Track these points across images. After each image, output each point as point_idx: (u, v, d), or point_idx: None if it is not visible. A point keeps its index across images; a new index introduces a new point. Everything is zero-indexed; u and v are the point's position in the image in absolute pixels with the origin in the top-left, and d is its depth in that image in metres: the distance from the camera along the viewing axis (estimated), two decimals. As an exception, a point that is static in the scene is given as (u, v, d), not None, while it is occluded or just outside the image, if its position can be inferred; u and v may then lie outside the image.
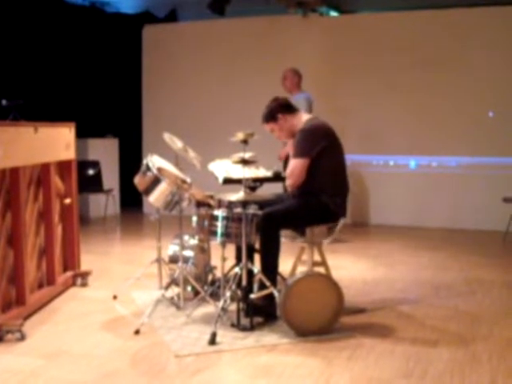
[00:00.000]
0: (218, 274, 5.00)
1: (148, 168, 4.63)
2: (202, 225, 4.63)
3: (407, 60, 8.94)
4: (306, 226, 4.75)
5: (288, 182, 4.60)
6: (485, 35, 8.64)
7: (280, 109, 4.74)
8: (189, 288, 4.97)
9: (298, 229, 4.76)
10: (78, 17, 9.75)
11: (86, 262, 5.89)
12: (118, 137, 10.37)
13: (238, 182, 4.55)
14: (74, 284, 5.53)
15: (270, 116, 4.75)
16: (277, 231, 4.47)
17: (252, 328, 4.30)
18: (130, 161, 9.41)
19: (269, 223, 4.42)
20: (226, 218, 4.43)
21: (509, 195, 8.02)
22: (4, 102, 4.99)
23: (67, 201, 5.50)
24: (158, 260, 5.16)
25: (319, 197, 4.56)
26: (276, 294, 4.32)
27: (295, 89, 7.37)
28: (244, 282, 4.33)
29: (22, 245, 4.52)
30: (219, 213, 4.46)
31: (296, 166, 4.54)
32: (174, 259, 5.10)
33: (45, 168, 5.07)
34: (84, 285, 5.56)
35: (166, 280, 5.05)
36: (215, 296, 4.81)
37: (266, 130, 4.86)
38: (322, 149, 4.55)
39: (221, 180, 4.99)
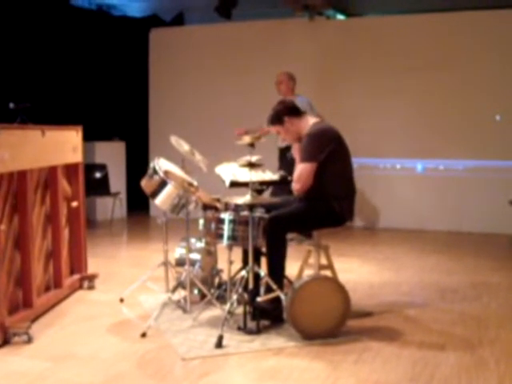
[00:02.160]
0: (225, 277, 5.00)
1: (155, 171, 4.63)
2: (209, 228, 4.64)
3: (414, 63, 8.93)
4: (313, 230, 4.75)
5: (295, 187, 4.58)
6: (492, 38, 8.62)
7: (286, 111, 4.73)
8: (195, 291, 4.98)
9: (305, 232, 4.76)
10: (85, 20, 9.78)
11: (93, 265, 5.90)
12: (124, 140, 10.38)
13: (245, 185, 4.55)
14: (80, 287, 5.55)
15: (276, 118, 4.74)
16: (283, 234, 4.47)
17: (258, 331, 4.30)
18: (137, 164, 9.43)
19: (275, 227, 4.42)
20: (232, 221, 4.44)
21: (516, 198, 8.02)
22: (11, 105, 5.00)
23: (74, 204, 5.51)
24: (165, 263, 5.16)
25: (326, 200, 4.55)
26: (282, 297, 4.32)
27: (290, 93, 7.31)
28: (251, 285, 4.33)
29: (29, 248, 4.53)
30: (226, 216, 4.47)
31: (304, 171, 4.53)
32: (180, 262, 5.10)
33: (52, 171, 5.08)
34: (91, 288, 5.57)
35: (172, 283, 5.05)
36: (222, 299, 4.82)
37: (271, 131, 4.87)
38: (329, 153, 4.54)
39: (227, 183, 4.99)
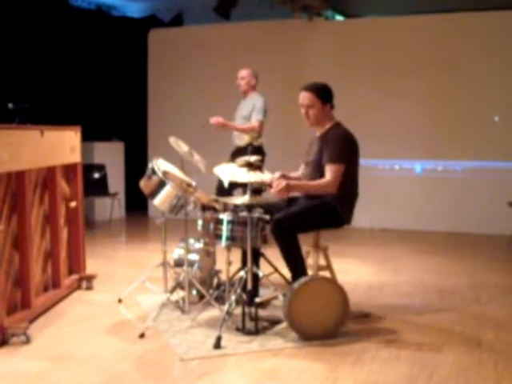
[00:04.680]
0: (223, 277, 5.00)
1: (153, 171, 4.63)
2: (208, 228, 4.63)
3: (412, 64, 8.94)
4: (314, 230, 4.74)
5: (331, 188, 4.50)
6: (491, 40, 8.63)
7: (332, 98, 4.68)
8: (194, 292, 4.97)
9: (307, 232, 4.73)
10: (85, 21, 9.78)
11: (92, 265, 5.89)
12: (123, 140, 10.38)
13: (244, 185, 4.55)
14: (79, 287, 5.54)
15: (323, 95, 4.63)
16: (292, 235, 4.45)
17: (257, 332, 4.30)
18: (136, 164, 9.44)
19: (282, 229, 4.40)
20: (231, 222, 4.43)
21: (514, 200, 8.02)
22: (10, 105, 5.00)
23: (73, 204, 5.50)
24: (164, 264, 5.16)
25: (330, 201, 4.54)
26: (281, 297, 4.32)
27: (250, 90, 7.10)
28: (249, 286, 4.32)
29: (28, 248, 4.52)
30: (224, 216, 4.46)
31: (338, 172, 4.49)
32: (179, 263, 5.10)
33: (50, 171, 5.07)
34: (89, 288, 5.56)
35: (171, 284, 5.05)
36: (220, 300, 4.80)
37: (300, 97, 4.66)
38: (354, 154, 4.60)
39: (226, 184, 4.98)
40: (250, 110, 6.89)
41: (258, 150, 6.59)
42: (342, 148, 4.53)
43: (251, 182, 4.36)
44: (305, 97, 4.64)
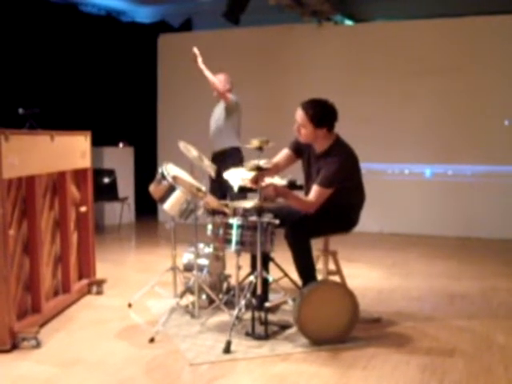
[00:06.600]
0: (233, 282, 5.00)
1: (163, 176, 4.64)
2: (217, 233, 4.63)
3: (422, 68, 8.92)
4: (327, 235, 4.75)
5: (310, 210, 4.48)
6: (501, 43, 8.60)
7: (330, 124, 4.54)
8: (203, 296, 4.97)
9: (320, 236, 4.74)
10: (94, 26, 9.83)
11: (101, 269, 5.90)
12: (133, 145, 10.40)
13: (253, 189, 4.55)
14: (89, 292, 5.55)
15: (317, 121, 4.50)
16: (307, 239, 4.47)
17: (267, 337, 4.29)
18: (145, 169, 9.45)
19: (298, 234, 4.42)
20: (240, 227, 4.43)
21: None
22: (21, 110, 5.02)
23: (83, 209, 5.52)
24: (173, 268, 5.16)
25: (342, 208, 4.56)
26: (290, 302, 4.32)
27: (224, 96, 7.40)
28: (259, 291, 4.32)
29: (38, 253, 4.54)
30: (234, 221, 4.47)
31: (323, 196, 4.46)
32: (188, 267, 5.10)
33: (61, 176, 5.09)
34: (99, 293, 5.57)
35: (180, 288, 5.06)
36: (230, 304, 4.81)
37: (296, 112, 4.58)
38: (350, 177, 4.57)
39: (236, 188, 4.98)
40: (220, 114, 7.17)
41: (236, 154, 6.79)
42: (336, 175, 4.45)
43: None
44: (298, 114, 4.58)
